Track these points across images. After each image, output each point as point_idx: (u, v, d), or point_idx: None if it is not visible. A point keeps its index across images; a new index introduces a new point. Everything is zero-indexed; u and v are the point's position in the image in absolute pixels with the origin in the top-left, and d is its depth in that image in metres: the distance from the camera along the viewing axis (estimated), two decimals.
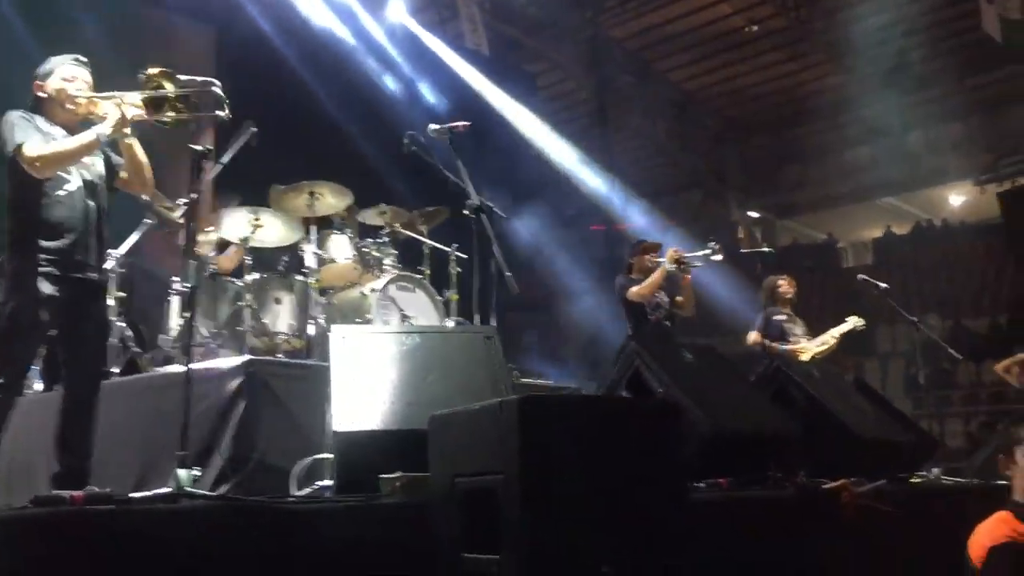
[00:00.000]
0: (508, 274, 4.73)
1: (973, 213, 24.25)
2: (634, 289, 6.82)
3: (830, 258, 24.09)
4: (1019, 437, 3.19)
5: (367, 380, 3.61)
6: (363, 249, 6.61)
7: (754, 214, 25.02)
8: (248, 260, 6.06)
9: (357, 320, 6.04)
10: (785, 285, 7.92)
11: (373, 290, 6.25)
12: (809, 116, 23.29)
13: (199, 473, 3.80)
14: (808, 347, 7.82)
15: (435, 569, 2.37)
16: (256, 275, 6.01)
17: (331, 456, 3.68)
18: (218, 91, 4.05)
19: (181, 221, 5.76)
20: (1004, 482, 5.20)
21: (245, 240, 6.13)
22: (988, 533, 2.95)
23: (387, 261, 6.65)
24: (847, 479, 4.30)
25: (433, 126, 5.16)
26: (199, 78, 4.33)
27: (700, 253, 6.86)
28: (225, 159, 5.62)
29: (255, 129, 5.39)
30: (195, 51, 10.16)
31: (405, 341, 3.83)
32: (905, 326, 19.21)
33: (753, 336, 7.81)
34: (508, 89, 15.90)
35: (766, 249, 7.72)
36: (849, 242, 26.71)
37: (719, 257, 6.75)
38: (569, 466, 2.05)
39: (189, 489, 3.18)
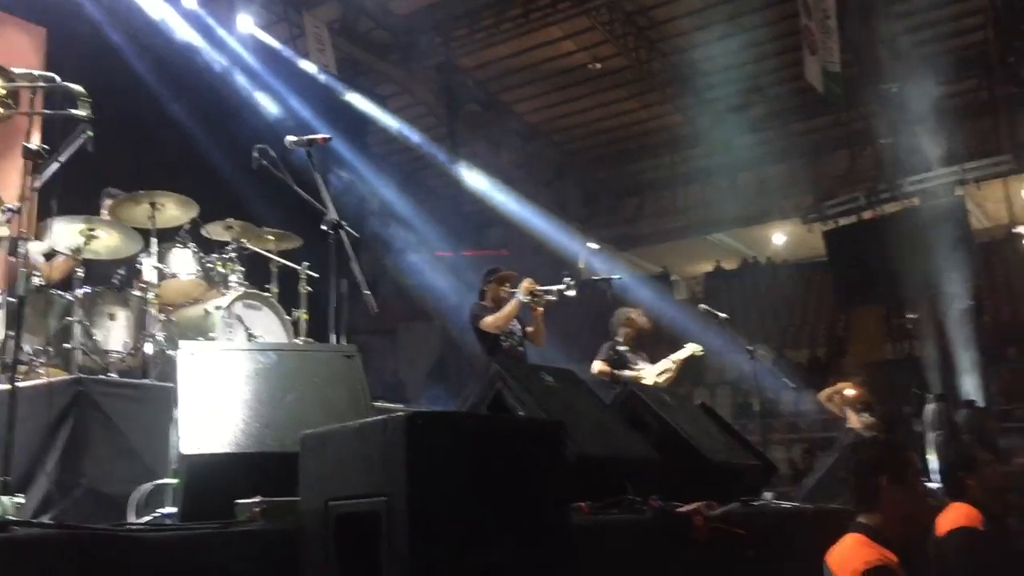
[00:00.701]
0: (367, 292, 4.62)
1: (795, 251, 25.74)
2: (488, 319, 6.79)
3: (663, 291, 24.92)
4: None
5: (219, 400, 3.38)
6: (207, 264, 6.27)
7: (594, 245, 25.68)
8: (80, 272, 5.63)
9: (199, 339, 5.72)
10: (634, 316, 8.08)
11: (218, 307, 5.94)
12: (647, 152, 24.19)
13: (22, 500, 3.46)
14: (649, 374, 8.00)
15: None
16: (88, 289, 5.59)
17: (175, 481, 3.44)
18: (75, 88, 3.75)
19: (5, 227, 5.29)
20: (838, 506, 5.44)
21: (77, 251, 5.69)
22: (857, 556, 3.02)
23: (233, 278, 6.34)
24: (700, 502, 4.36)
25: (291, 138, 4.97)
26: (36, 71, 4.01)
27: (555, 288, 6.91)
28: (63, 158, 5.21)
29: (91, 133, 5.01)
30: (22, 50, 9.50)
31: (261, 359, 3.62)
32: (733, 356, 20.08)
33: (598, 365, 7.92)
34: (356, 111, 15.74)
35: (615, 276, 7.84)
36: (682, 275, 27.81)
37: (573, 293, 6.81)
38: (458, 487, 1.95)
39: (11, 517, 2.90)
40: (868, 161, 22.87)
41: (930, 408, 8.94)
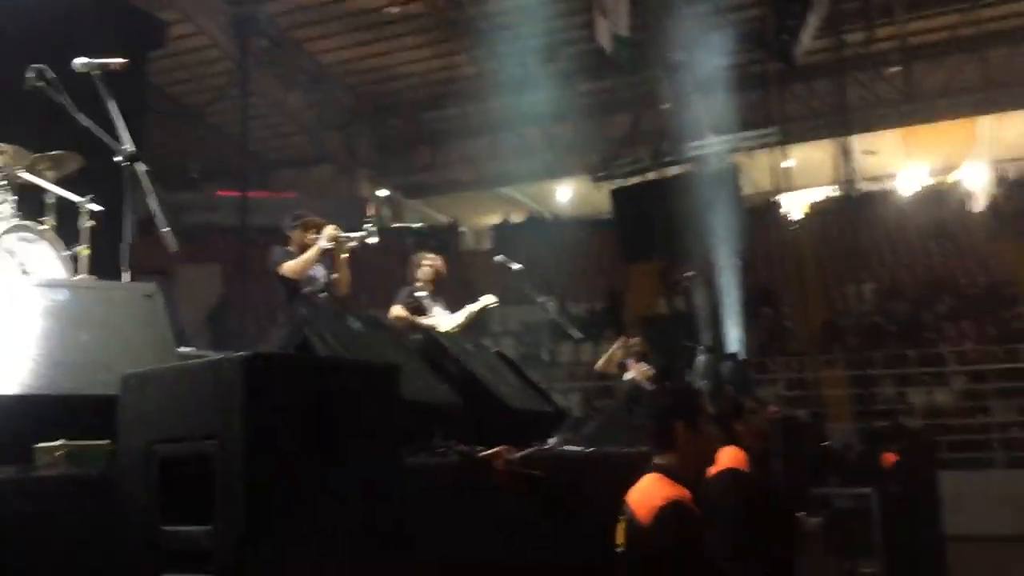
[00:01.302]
0: (166, 229, 4.39)
1: (580, 207, 26.68)
2: (288, 264, 6.62)
3: (451, 241, 25.15)
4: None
5: (4, 339, 3.12)
6: None
7: (384, 193, 25.49)
8: None
9: None
10: (430, 262, 8.10)
11: None
12: (441, 102, 24.17)
13: None
14: (445, 323, 8.09)
15: (124, 545, 2.10)
16: None
17: None
18: None
19: None
20: (631, 450, 5.76)
21: None
22: (656, 493, 3.23)
23: (3, 208, 5.81)
24: (500, 447, 4.49)
25: (81, 60, 4.58)
26: None
27: (357, 234, 6.83)
28: None
29: None
30: None
31: (51, 295, 3.36)
32: (517, 307, 20.64)
33: (396, 310, 7.91)
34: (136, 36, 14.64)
35: (416, 225, 7.82)
36: (470, 227, 28.17)
37: (375, 240, 6.76)
38: (296, 431, 1.92)
39: None
40: (650, 124, 24.00)
41: (700, 360, 9.61)
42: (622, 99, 23.40)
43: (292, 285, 6.60)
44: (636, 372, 9.04)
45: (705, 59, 14.87)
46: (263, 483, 1.83)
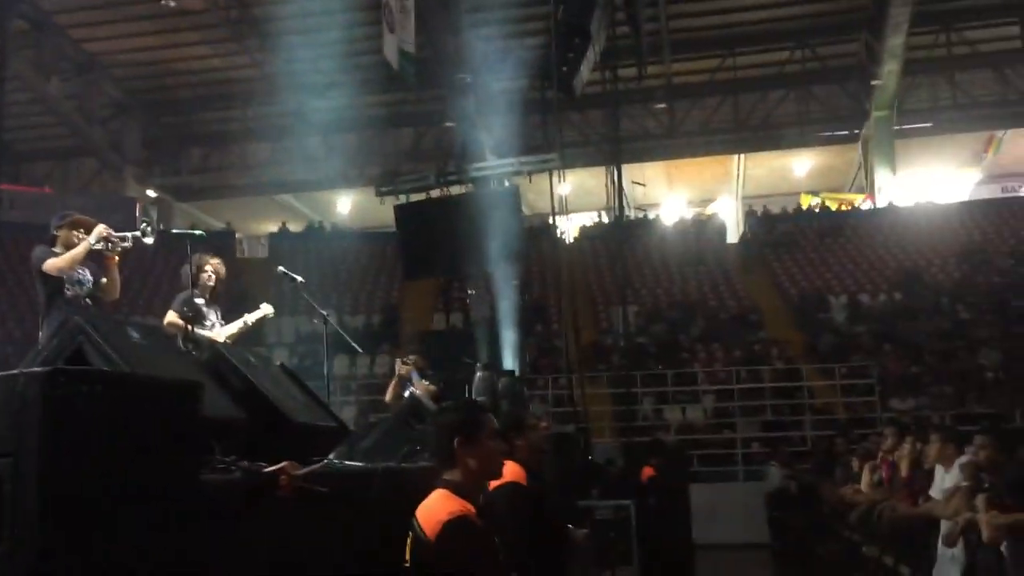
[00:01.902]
0: None
1: (360, 219, 26.52)
2: (52, 261, 6.16)
3: (226, 247, 24.26)
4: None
5: None
6: None
7: (152, 193, 24.21)
8: None
9: None
10: (211, 268, 7.80)
11: None
12: (218, 103, 23.33)
13: None
14: (221, 332, 7.83)
15: None
16: None
17: None
18: None
19: None
20: (414, 465, 5.81)
21: None
22: (441, 509, 3.29)
23: None
24: (284, 462, 4.43)
25: None
26: None
27: (130, 233, 6.45)
28: None
29: None
30: None
31: None
32: (291, 318, 20.18)
33: (171, 317, 7.56)
34: None
35: (198, 232, 7.52)
36: (245, 233, 27.30)
37: (151, 240, 6.41)
38: (94, 449, 1.84)
39: None
40: (434, 141, 24.30)
41: (478, 376, 9.81)
42: (407, 114, 23.55)
43: (54, 285, 6.16)
44: (418, 388, 9.12)
45: (489, 82, 15.26)
46: (57, 504, 1.74)
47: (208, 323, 7.82)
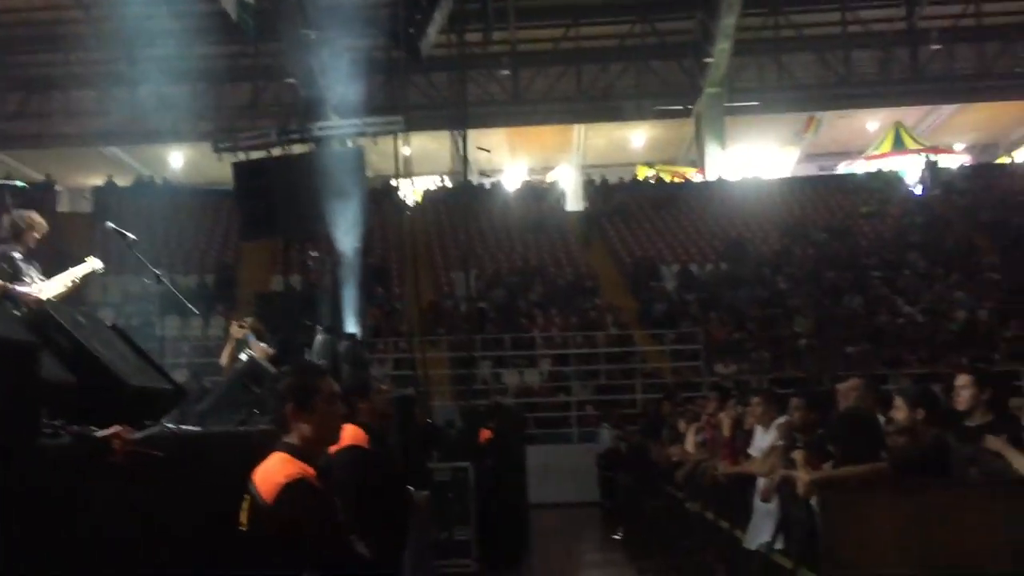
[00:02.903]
0: None
1: (193, 175, 25.47)
2: None
3: (45, 200, 22.83)
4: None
5: None
6: None
7: None
8: None
9: None
10: (30, 221, 7.34)
11: None
12: (38, 45, 21.81)
13: None
14: (45, 289, 7.41)
15: None
16: None
17: None
18: None
19: None
20: (252, 428, 5.73)
21: None
22: (279, 471, 3.27)
23: None
24: (118, 426, 4.29)
25: None
26: None
27: None
28: None
29: None
30: None
31: None
32: (118, 277, 19.25)
33: None
34: None
35: (17, 183, 7.05)
36: (67, 186, 25.72)
37: None
38: None
39: None
40: (272, 97, 23.57)
41: (319, 339, 9.69)
42: (245, 68, 22.72)
43: None
44: (255, 350, 8.92)
45: (334, 39, 14.92)
46: None
47: (28, 280, 7.38)
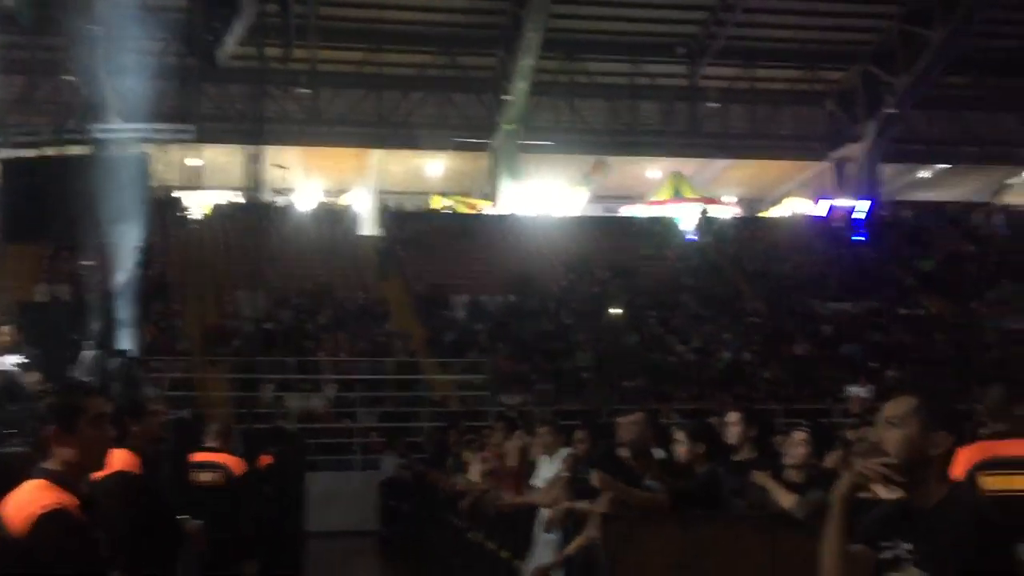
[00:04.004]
0: None
1: None
2: None
3: None
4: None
5: None
6: None
7: None
8: None
9: None
10: None
11: None
12: None
13: None
14: None
15: None
16: None
17: None
18: None
19: None
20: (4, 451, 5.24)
21: None
22: (35, 501, 2.97)
23: None
24: None
25: None
26: None
27: None
28: None
29: None
30: None
31: None
32: None
33: None
34: None
35: None
36: None
37: None
38: None
39: None
40: (48, 94, 21.93)
41: (87, 355, 9.06)
42: (19, 60, 21.05)
43: None
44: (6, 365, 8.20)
45: (122, 38, 14.11)
46: None
47: None
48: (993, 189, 31.14)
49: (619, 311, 21.28)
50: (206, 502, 6.44)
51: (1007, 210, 27.93)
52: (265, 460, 10.87)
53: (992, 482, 3.90)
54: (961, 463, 2.99)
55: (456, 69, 28.05)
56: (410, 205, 26.97)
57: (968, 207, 28.82)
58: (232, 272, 21.49)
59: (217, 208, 25.22)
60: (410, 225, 25.24)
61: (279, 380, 17.39)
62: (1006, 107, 29.76)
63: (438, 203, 28.92)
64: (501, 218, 26.69)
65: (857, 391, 17.03)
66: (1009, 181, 31.25)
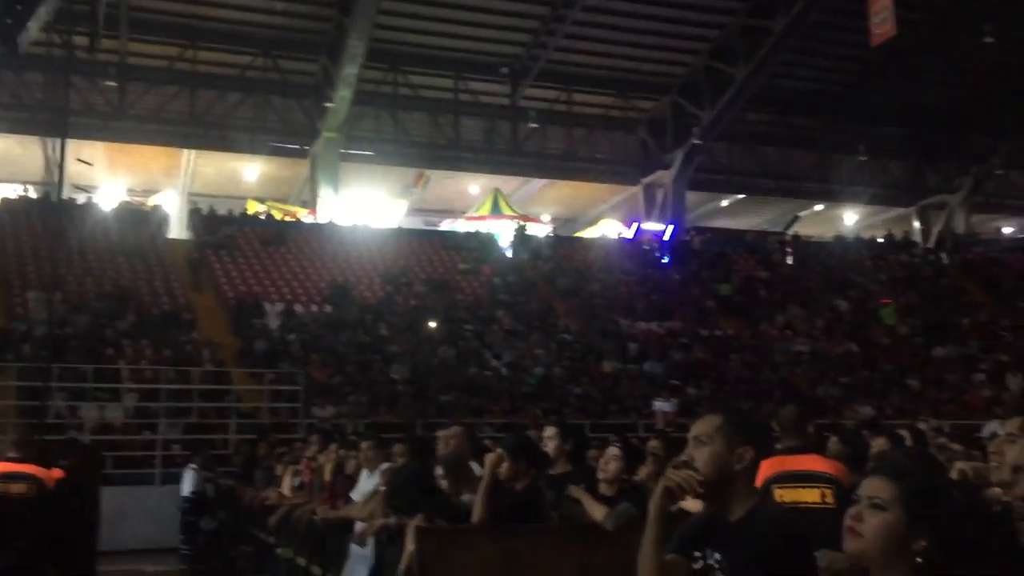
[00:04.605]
0: None
1: None
2: None
3: None
4: None
5: None
6: None
7: None
8: None
9: None
10: None
11: None
12: None
13: None
14: None
15: None
16: None
17: None
18: None
19: None
20: None
21: None
22: None
23: None
24: None
25: None
26: None
27: None
28: None
29: None
30: None
31: None
32: None
33: None
34: None
35: None
36: None
37: None
38: None
39: None
40: None
41: None
42: None
43: None
44: None
45: None
46: None
47: None
48: (786, 220, 33.48)
49: (436, 324, 21.37)
50: (18, 514, 6.06)
51: (796, 240, 30.07)
52: (56, 474, 10.21)
53: (782, 494, 4.21)
54: (761, 476, 3.21)
55: (277, 72, 27.43)
56: (223, 209, 26.03)
57: (763, 236, 30.86)
58: (23, 272, 20.05)
59: (6, 202, 23.51)
60: (222, 229, 24.39)
61: (73, 388, 16.35)
62: (798, 144, 32.12)
63: (253, 208, 28.10)
64: (319, 226, 26.25)
65: (662, 406, 17.91)
66: (800, 213, 33.68)
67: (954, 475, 4.61)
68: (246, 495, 10.54)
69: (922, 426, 8.19)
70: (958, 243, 31.14)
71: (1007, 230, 34.82)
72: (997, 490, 3.67)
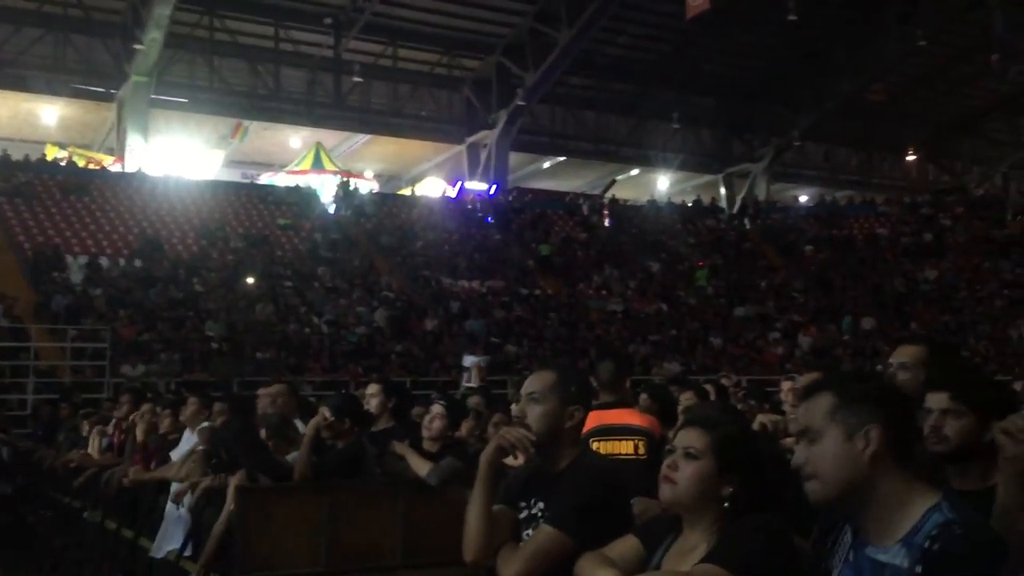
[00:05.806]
0: None
1: None
2: None
3: None
4: None
5: None
6: None
7: None
8: None
9: None
10: None
11: None
12: None
13: None
14: None
15: None
16: None
17: None
18: None
19: None
20: None
21: None
22: None
23: None
24: None
25: None
26: None
27: None
28: None
29: None
30: None
31: None
32: None
33: None
34: None
35: None
36: None
37: None
38: None
39: None
40: None
41: None
42: None
43: None
44: None
45: None
46: None
47: None
48: (603, 183, 34.52)
49: (253, 281, 20.78)
50: None
51: (614, 203, 31.08)
52: None
53: (600, 447, 4.41)
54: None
55: (79, 9, 25.60)
56: (19, 154, 24.16)
57: (581, 198, 31.71)
58: None
59: None
60: (17, 176, 22.66)
61: None
62: (616, 110, 33.07)
63: (53, 154, 26.22)
64: (127, 176, 24.84)
65: (475, 360, 18.01)
66: (618, 177, 34.78)
67: (755, 427, 4.98)
68: (47, 458, 9.97)
69: (724, 382, 8.72)
70: (759, 210, 33.05)
71: (803, 198, 37.23)
72: (791, 440, 4.00)
